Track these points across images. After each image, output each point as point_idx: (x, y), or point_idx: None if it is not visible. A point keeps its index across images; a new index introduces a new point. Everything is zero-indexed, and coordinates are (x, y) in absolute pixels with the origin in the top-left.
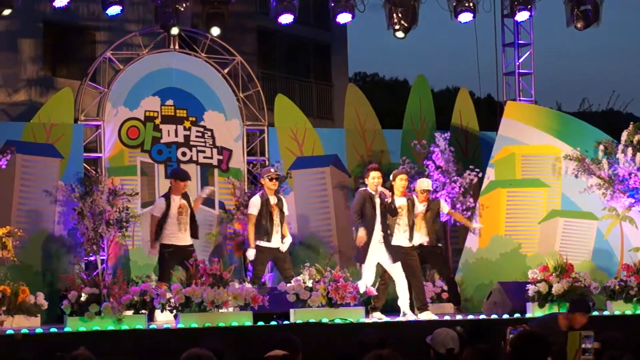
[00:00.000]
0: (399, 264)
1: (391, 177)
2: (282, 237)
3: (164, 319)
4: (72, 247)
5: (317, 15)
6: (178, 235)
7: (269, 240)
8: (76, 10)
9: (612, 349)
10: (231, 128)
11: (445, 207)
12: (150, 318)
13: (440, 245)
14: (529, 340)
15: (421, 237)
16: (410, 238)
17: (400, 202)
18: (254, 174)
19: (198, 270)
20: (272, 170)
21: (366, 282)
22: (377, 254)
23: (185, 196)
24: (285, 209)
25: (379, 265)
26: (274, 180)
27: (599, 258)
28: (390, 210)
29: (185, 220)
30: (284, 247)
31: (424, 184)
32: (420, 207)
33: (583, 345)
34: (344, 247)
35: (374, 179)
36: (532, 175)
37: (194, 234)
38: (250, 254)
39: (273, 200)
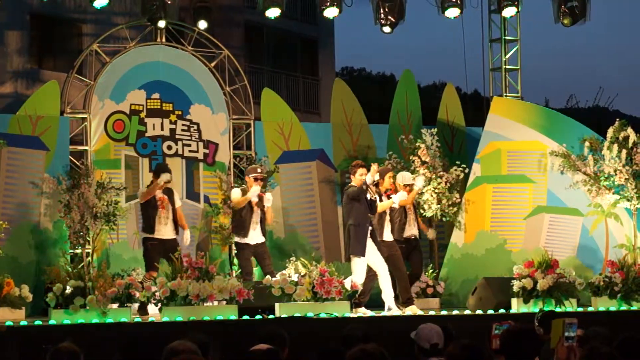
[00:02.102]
0: (382, 258)
1: (378, 176)
2: (264, 233)
3: (156, 312)
4: (58, 239)
5: (304, 10)
6: (160, 229)
7: (245, 236)
8: (63, 3)
9: (596, 344)
10: (217, 122)
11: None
12: (144, 311)
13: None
14: (521, 336)
15: (410, 230)
16: (393, 232)
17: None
18: (240, 168)
19: (183, 264)
20: (259, 170)
21: (360, 276)
22: (368, 248)
23: (166, 191)
24: (268, 205)
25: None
26: (258, 181)
27: (584, 254)
28: (372, 208)
29: (167, 215)
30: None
31: (406, 178)
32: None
33: (566, 333)
34: (329, 242)
35: (361, 175)
36: (518, 171)
37: (176, 230)
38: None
39: (254, 198)
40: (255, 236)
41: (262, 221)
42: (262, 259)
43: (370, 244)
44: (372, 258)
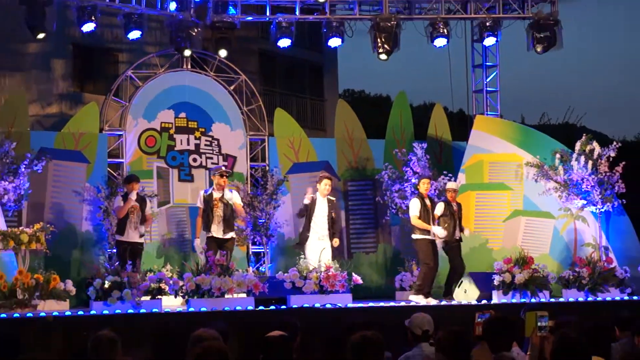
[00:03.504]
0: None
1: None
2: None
3: (177, 303)
4: (97, 240)
5: (311, 40)
6: (130, 233)
7: (209, 231)
8: (101, 34)
9: (566, 331)
10: (236, 137)
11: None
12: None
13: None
14: (501, 324)
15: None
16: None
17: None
18: (256, 178)
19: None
20: (223, 168)
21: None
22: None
23: (141, 198)
24: (234, 201)
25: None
26: (224, 177)
27: (555, 252)
28: (300, 211)
29: (136, 220)
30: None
31: (451, 184)
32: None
33: (539, 324)
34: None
35: (326, 186)
36: (498, 180)
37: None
38: (196, 243)
39: (217, 195)
40: (217, 230)
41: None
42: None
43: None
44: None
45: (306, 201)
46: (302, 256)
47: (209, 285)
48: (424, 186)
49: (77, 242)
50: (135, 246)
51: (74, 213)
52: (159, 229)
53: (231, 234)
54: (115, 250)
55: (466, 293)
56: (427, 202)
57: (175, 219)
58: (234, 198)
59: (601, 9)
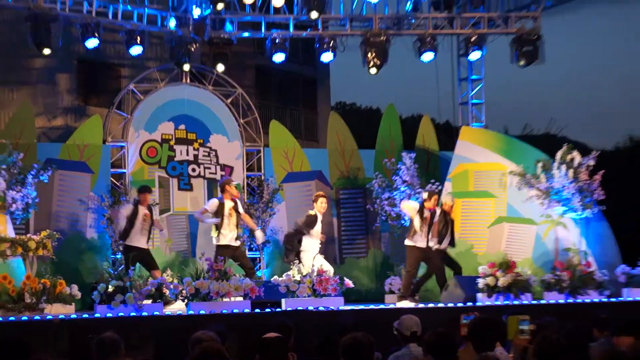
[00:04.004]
0: None
1: (426, 195)
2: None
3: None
4: (101, 247)
5: (304, 54)
6: (140, 239)
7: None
8: (104, 50)
9: (548, 331)
10: (233, 148)
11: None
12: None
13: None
14: (485, 325)
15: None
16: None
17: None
18: (252, 187)
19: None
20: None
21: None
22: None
23: (149, 207)
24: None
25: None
26: (236, 189)
27: (537, 256)
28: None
29: (146, 227)
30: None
31: (447, 198)
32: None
33: (520, 327)
34: (326, 248)
35: (322, 204)
36: (483, 188)
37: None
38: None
39: (230, 204)
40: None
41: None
42: (242, 259)
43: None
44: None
45: (312, 212)
46: (297, 261)
47: (208, 289)
48: (432, 202)
49: (82, 248)
50: (142, 251)
51: (79, 221)
52: (160, 236)
53: (239, 241)
54: (118, 256)
55: (452, 295)
56: (427, 214)
57: (175, 226)
58: (241, 209)
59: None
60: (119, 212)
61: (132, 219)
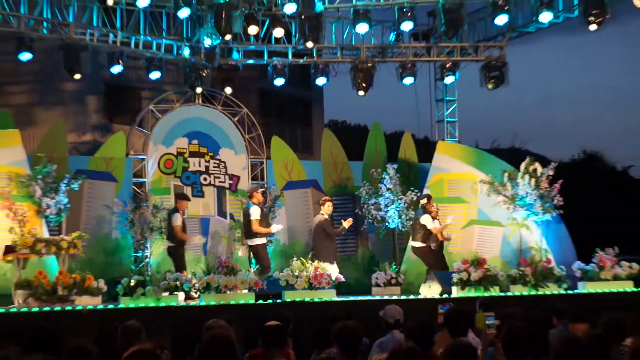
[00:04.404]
0: None
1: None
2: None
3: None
4: (124, 246)
5: (302, 79)
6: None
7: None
8: (128, 75)
9: (513, 320)
10: (239, 160)
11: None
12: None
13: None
14: (459, 314)
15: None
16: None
17: None
18: None
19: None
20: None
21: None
22: None
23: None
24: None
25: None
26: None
27: (504, 254)
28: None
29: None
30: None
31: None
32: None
33: (487, 322)
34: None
35: (329, 207)
36: (456, 194)
37: None
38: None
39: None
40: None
41: None
42: None
43: None
44: None
45: (325, 216)
46: (294, 259)
47: (217, 283)
48: (432, 205)
49: (108, 247)
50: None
51: (105, 223)
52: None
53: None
54: (139, 254)
55: (430, 289)
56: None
57: (189, 228)
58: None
59: (541, 54)
60: (177, 225)
61: (183, 224)
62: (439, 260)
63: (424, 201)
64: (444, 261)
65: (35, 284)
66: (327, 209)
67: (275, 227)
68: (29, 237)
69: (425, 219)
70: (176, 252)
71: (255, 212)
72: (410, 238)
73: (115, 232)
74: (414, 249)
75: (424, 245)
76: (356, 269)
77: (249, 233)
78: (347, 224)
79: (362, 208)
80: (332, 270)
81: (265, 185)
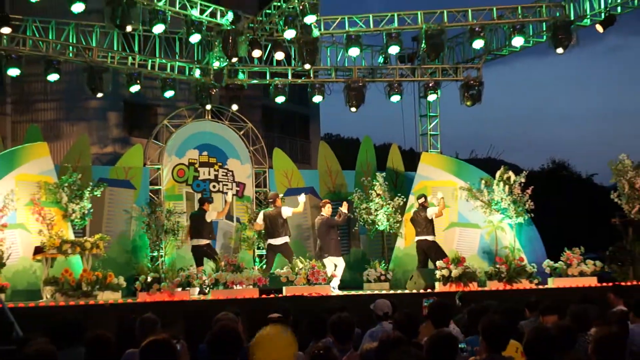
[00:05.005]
0: None
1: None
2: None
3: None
4: (142, 246)
5: (300, 97)
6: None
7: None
8: (144, 94)
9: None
10: (245, 169)
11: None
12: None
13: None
14: (441, 307)
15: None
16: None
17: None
18: (260, 199)
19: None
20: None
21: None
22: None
23: None
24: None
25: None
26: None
27: (481, 253)
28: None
29: None
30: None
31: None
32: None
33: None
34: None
35: (329, 209)
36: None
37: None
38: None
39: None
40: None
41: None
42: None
43: None
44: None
45: (326, 215)
46: (293, 257)
47: (225, 279)
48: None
49: (127, 247)
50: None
51: (124, 226)
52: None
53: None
54: (155, 254)
55: (416, 284)
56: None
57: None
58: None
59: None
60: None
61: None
62: (440, 253)
63: (421, 200)
64: (445, 254)
65: (62, 280)
66: (327, 210)
67: (298, 206)
68: (56, 239)
69: (430, 211)
70: (198, 250)
71: (286, 211)
72: (416, 233)
73: (134, 234)
74: (420, 242)
75: (432, 238)
76: (349, 267)
77: (276, 233)
78: (344, 208)
79: (354, 212)
80: (339, 263)
81: (268, 192)
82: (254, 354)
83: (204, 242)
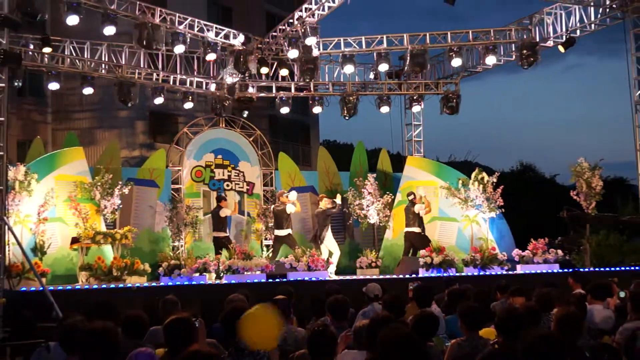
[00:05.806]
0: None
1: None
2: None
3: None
4: (164, 237)
5: (302, 108)
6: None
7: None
8: (167, 105)
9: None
10: (254, 171)
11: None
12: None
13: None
14: (424, 290)
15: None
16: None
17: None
18: (267, 197)
19: (235, 250)
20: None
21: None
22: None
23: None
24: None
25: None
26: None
27: (459, 243)
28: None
29: None
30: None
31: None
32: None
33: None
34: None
35: (326, 202)
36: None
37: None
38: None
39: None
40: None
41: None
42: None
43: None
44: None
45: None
46: (297, 247)
47: (237, 266)
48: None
49: (151, 238)
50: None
51: (149, 220)
52: (204, 231)
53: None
54: (176, 244)
55: (402, 270)
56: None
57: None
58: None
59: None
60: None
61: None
62: (426, 242)
63: (410, 197)
64: (428, 244)
65: (95, 267)
66: (324, 203)
67: (296, 205)
68: (90, 231)
69: (418, 207)
70: (218, 241)
71: (290, 208)
72: (405, 225)
73: (158, 227)
74: (408, 233)
75: (419, 230)
76: (345, 255)
77: (282, 225)
78: (337, 199)
79: (348, 207)
80: (335, 251)
81: (275, 190)
82: (240, 330)
83: (222, 234)
